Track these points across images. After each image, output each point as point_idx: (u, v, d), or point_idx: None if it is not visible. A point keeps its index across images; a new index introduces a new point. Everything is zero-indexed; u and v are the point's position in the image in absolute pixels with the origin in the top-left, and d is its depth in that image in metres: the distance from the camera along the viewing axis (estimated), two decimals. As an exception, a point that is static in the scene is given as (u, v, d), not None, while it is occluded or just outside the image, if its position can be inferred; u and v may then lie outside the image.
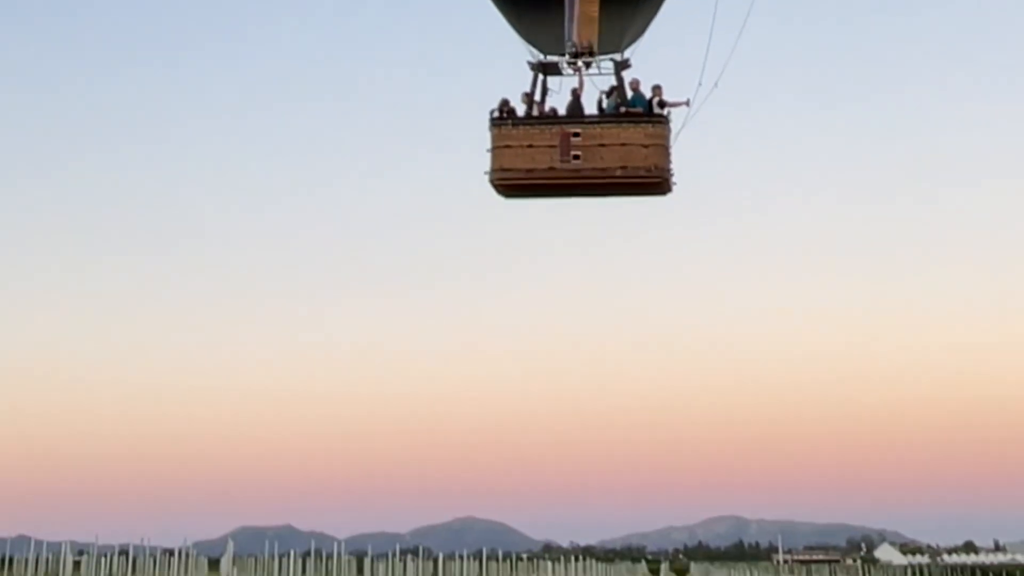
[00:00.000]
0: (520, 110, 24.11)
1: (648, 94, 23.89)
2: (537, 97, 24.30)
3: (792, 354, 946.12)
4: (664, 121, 23.45)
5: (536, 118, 23.85)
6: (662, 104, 23.68)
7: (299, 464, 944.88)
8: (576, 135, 23.20)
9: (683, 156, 23.47)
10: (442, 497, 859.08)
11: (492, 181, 23.56)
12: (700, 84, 23.45)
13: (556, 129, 23.39)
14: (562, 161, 23.16)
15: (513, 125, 23.63)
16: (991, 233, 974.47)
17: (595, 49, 23.99)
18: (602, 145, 23.12)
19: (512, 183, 23.63)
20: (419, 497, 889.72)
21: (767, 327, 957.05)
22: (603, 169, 23.10)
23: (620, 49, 24.58)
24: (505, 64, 25.61)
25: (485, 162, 23.71)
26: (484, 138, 23.66)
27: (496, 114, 23.87)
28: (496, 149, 23.48)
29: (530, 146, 23.30)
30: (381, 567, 56.98)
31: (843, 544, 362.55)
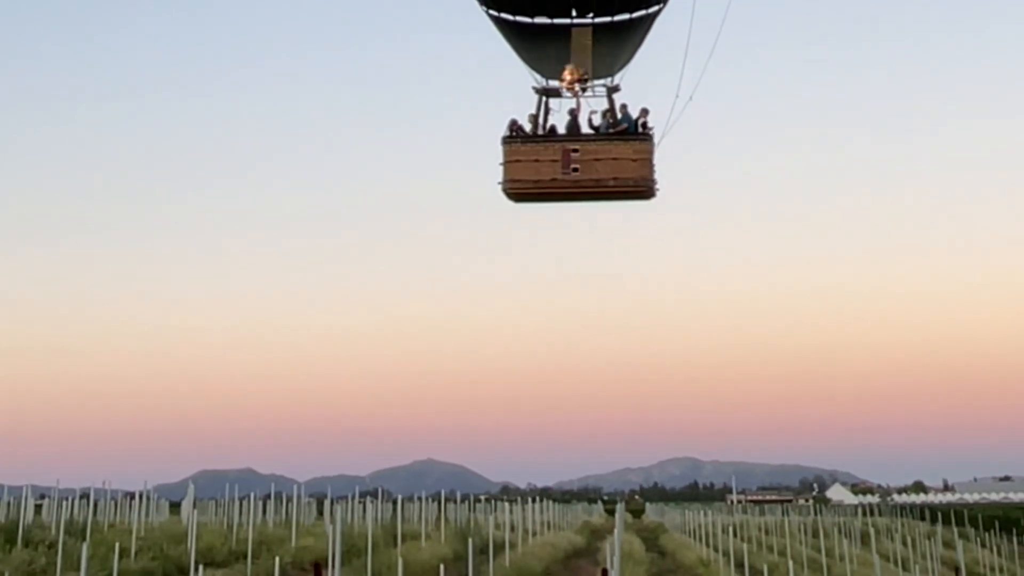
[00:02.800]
0: (527, 129, 28.14)
1: (635, 115, 27.79)
2: (541, 118, 28.23)
3: (745, 300, 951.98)
4: (649, 138, 27.36)
5: (541, 136, 27.81)
6: (645, 124, 27.62)
7: (260, 408, 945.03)
8: (575, 151, 27.15)
9: (665, 156, 27.74)
10: (402, 441, 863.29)
11: (504, 190, 27.44)
12: (677, 96, 27.39)
13: (558, 146, 27.32)
14: (563, 173, 27.04)
15: (522, 142, 27.58)
16: (955, 184, 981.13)
17: (590, 75, 28.09)
18: (597, 159, 27.04)
19: (521, 192, 27.58)
20: (379, 441, 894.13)
21: (719, 274, 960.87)
22: (598, 180, 27.00)
23: (612, 74, 28.62)
24: (514, 88, 29.31)
25: (498, 173, 27.73)
26: (497, 152, 27.71)
27: (507, 133, 27.80)
28: (507, 163, 27.39)
29: (536, 160, 27.20)
30: (340, 509, 57.03)
31: (796, 485, 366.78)
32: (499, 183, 27.43)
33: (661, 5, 28.99)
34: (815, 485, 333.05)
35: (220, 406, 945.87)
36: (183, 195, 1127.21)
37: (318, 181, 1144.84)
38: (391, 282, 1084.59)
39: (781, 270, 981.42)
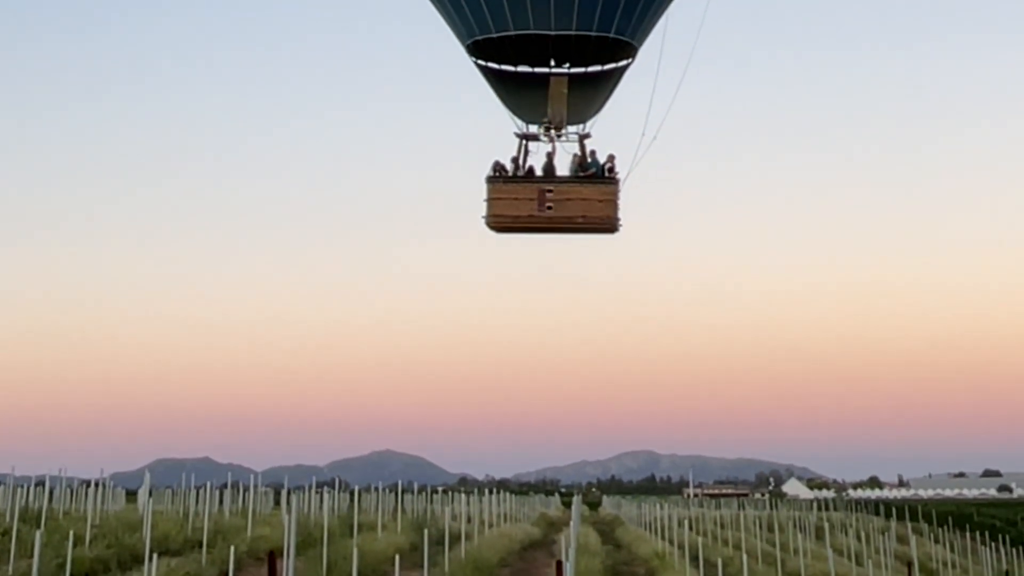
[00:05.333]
0: (508, 169, 31.81)
1: (602, 159, 31.74)
2: (521, 160, 31.89)
3: (704, 297, 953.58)
4: (614, 182, 31.37)
5: (520, 177, 31.65)
6: (612, 169, 31.51)
7: (218, 397, 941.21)
8: (549, 191, 31.04)
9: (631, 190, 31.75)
10: (360, 431, 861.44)
11: (487, 223, 31.35)
12: (643, 134, 31.31)
13: (535, 186, 31.18)
14: (539, 210, 30.92)
15: (503, 182, 31.38)
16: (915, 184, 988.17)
17: (564, 122, 31.75)
18: (568, 199, 31.00)
19: (501, 225, 31.48)
20: (337, 431, 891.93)
21: (677, 267, 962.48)
22: (569, 218, 31.11)
23: (584, 121, 32.41)
24: (498, 132, 33.04)
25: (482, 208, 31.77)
26: (482, 190, 31.75)
27: (490, 173, 31.56)
28: (491, 200, 31.26)
29: (515, 198, 31.05)
30: (297, 499, 56.63)
31: (752, 479, 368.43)
32: (482, 217, 31.30)
33: (630, 60, 32.58)
34: (771, 479, 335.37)
35: (178, 395, 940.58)
36: (145, 183, 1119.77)
37: (287, 171, 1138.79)
38: (352, 273, 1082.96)
39: (738, 267, 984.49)
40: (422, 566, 30.62)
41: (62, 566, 27.84)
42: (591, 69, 32.40)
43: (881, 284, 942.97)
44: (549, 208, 30.90)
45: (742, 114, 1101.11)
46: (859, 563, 51.93)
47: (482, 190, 31.62)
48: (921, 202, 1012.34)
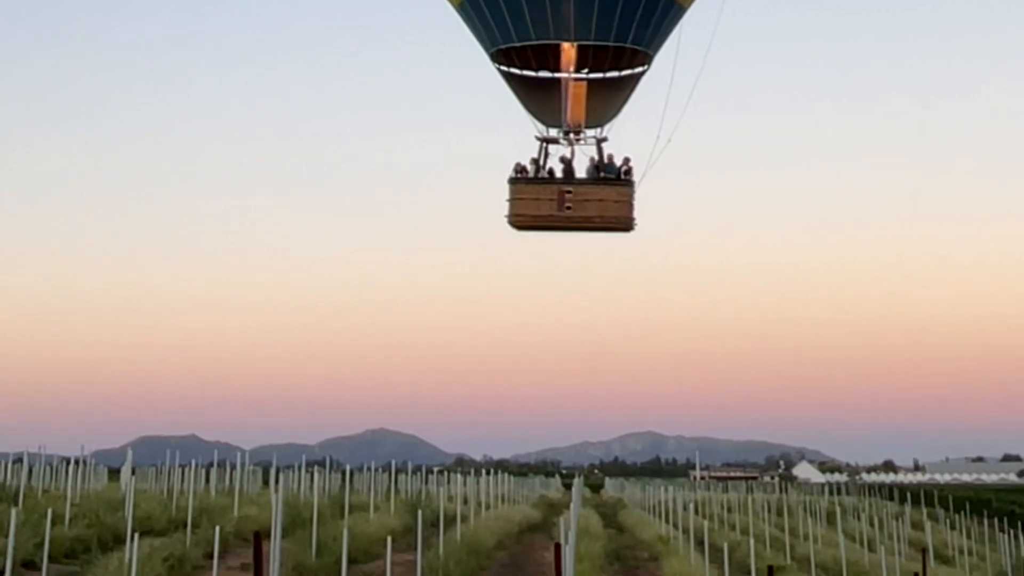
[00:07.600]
0: (530, 171, 34.39)
1: (618, 162, 34.20)
2: (541, 162, 34.49)
3: (712, 275, 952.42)
4: (630, 184, 33.86)
5: (540, 179, 34.29)
6: (628, 171, 33.95)
7: (205, 373, 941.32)
8: (568, 192, 33.55)
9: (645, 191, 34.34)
10: (353, 409, 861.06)
11: (509, 221, 34.07)
12: (658, 137, 33.68)
13: (554, 187, 33.78)
14: (559, 210, 33.44)
15: (525, 183, 33.97)
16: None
17: (582, 126, 34.39)
18: (586, 200, 33.46)
19: (523, 224, 34.25)
20: (329, 409, 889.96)
21: (685, 249, 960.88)
22: (587, 217, 33.70)
23: (602, 125, 34.89)
24: (520, 136, 35.21)
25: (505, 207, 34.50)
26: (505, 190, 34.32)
27: (512, 175, 34.19)
28: (513, 199, 33.92)
29: (536, 199, 33.66)
30: (286, 478, 56.52)
31: (762, 462, 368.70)
32: (505, 215, 33.93)
33: (646, 67, 35.19)
34: (781, 462, 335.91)
35: (163, 370, 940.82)
36: (134, 154, 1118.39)
37: (298, 150, 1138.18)
38: (343, 248, 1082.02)
39: (746, 245, 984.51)
40: (415, 549, 30.58)
41: (40, 545, 27.91)
42: (609, 75, 34.93)
43: (897, 265, 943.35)
44: (568, 208, 33.52)
45: (752, 116, 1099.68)
46: (871, 549, 52.00)
47: (498, 189, 34.25)
48: (937, 185, 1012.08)
